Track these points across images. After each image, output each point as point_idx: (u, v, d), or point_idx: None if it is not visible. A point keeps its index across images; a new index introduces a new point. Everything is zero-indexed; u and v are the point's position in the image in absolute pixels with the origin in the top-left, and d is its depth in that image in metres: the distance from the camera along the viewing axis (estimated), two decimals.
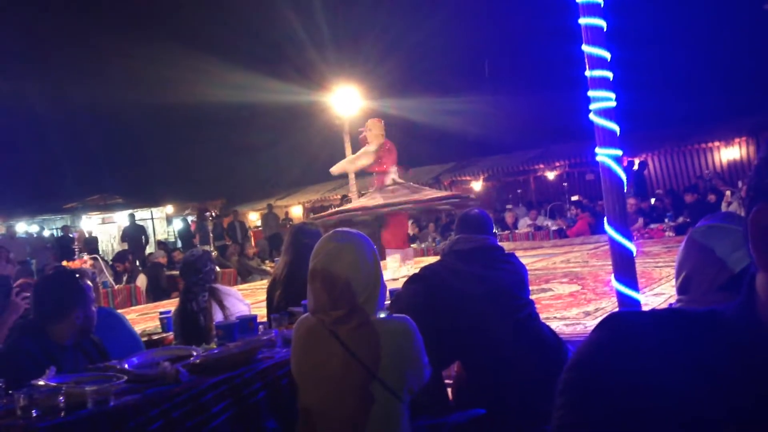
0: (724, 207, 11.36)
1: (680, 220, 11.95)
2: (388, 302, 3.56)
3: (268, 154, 24.47)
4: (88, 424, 2.15)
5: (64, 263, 10.54)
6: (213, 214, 21.04)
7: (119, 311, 5.08)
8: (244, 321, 3.33)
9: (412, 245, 13.44)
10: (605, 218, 3.65)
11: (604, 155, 3.61)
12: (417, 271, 3.41)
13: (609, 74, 3.66)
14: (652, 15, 18.25)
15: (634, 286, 3.57)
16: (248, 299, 5.03)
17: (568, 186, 17.16)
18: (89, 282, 3.12)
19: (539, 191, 20.07)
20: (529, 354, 3.09)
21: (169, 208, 23.81)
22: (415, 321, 2.43)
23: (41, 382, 2.34)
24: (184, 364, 2.65)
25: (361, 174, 11.85)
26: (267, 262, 14.53)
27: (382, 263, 2.67)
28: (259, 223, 22.24)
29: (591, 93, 3.65)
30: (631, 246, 3.58)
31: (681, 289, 1.70)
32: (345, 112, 13.08)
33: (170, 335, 4.36)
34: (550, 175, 19.78)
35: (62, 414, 2.17)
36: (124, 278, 11.67)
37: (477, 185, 20.12)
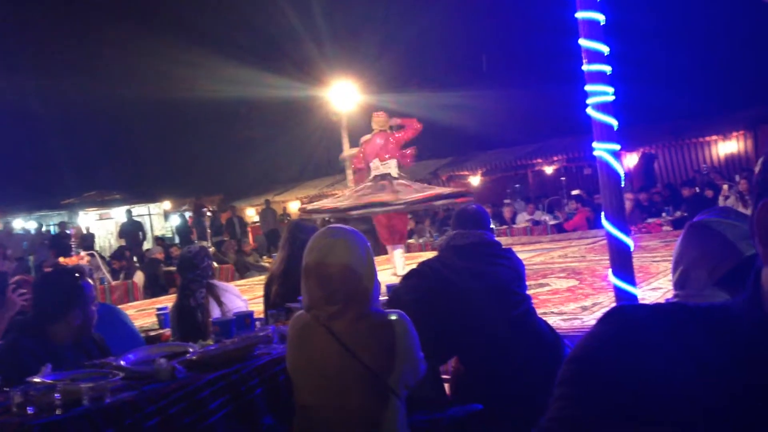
0: (721, 201, 11.36)
1: (678, 214, 11.96)
2: (384, 298, 3.56)
3: (265, 150, 24.45)
4: (84, 421, 2.14)
5: (61, 260, 10.52)
6: (210, 210, 21.03)
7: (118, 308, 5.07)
8: (240, 317, 3.32)
9: (409, 240, 13.45)
10: (602, 213, 3.64)
11: (601, 149, 3.60)
12: (414, 266, 3.40)
13: (606, 68, 3.65)
14: (649, 9, 18.23)
15: (632, 280, 3.57)
16: (246, 295, 5.02)
17: (566, 180, 17.16)
18: (89, 280, 3.11)
19: (537, 186, 20.07)
20: (526, 349, 3.09)
21: (167, 204, 23.79)
22: (413, 316, 2.43)
23: (37, 379, 2.34)
24: (180, 360, 2.64)
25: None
26: (265, 257, 14.54)
27: (384, 258, 2.66)
28: (256, 218, 22.23)
29: (588, 87, 3.64)
30: (628, 241, 3.57)
31: (678, 284, 1.70)
32: (343, 107, 13.07)
33: (167, 331, 4.36)
34: (548, 170, 19.77)
35: (58, 411, 2.16)
36: (121, 275, 11.66)
37: (475, 180, 20.11)
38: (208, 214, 21.43)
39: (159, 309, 4.84)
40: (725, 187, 12.36)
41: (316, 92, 16.20)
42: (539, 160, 19.69)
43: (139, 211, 21.18)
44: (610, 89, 3.65)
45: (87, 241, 16.24)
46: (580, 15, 3.62)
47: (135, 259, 13.66)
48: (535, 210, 14.95)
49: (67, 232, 15.76)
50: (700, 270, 1.62)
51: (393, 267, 8.81)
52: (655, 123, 17.88)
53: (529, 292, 3.41)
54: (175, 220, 21.91)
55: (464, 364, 3.23)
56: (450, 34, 22.91)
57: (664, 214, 12.23)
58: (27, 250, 15.89)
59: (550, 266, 8.32)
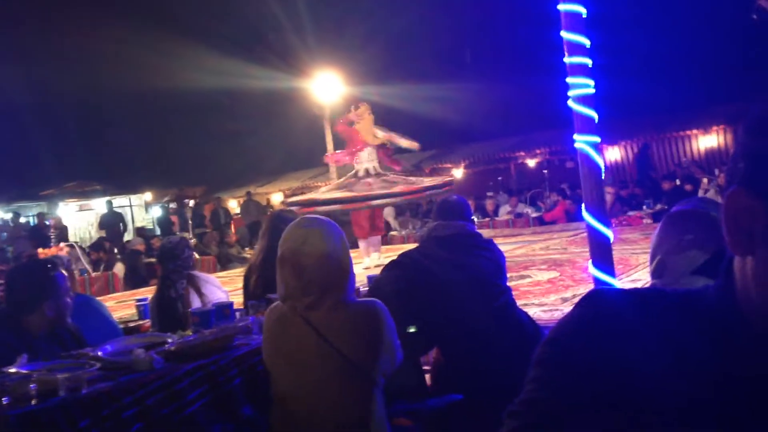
0: (701, 194, 11.47)
1: (658, 207, 12.06)
2: (365, 289, 3.56)
3: (248, 141, 24.32)
4: (60, 412, 2.12)
5: (40, 251, 10.42)
6: (191, 201, 20.91)
7: (97, 299, 5.02)
8: (220, 308, 3.31)
9: (392, 232, 13.47)
10: (583, 204, 3.66)
11: (582, 142, 3.62)
12: (395, 257, 3.40)
13: (588, 61, 3.66)
14: (630, 2, 18.30)
15: (611, 271, 3.59)
16: (227, 287, 4.99)
17: (548, 173, 17.23)
18: (64, 271, 3.07)
19: (520, 179, 20.15)
20: (507, 340, 3.10)
21: (148, 196, 23.59)
22: (394, 307, 2.43)
23: (12, 370, 2.31)
24: (158, 351, 2.62)
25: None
26: (247, 249, 14.46)
27: (356, 251, 2.66)
28: (238, 210, 22.12)
29: (569, 80, 3.64)
30: (608, 232, 3.59)
31: (655, 273, 1.71)
32: (326, 98, 13.02)
33: (147, 323, 4.32)
34: (531, 163, 19.86)
35: (34, 402, 2.13)
36: (102, 266, 11.56)
37: (458, 173, 20.15)
38: (191, 205, 21.30)
39: (138, 300, 4.80)
40: (705, 180, 12.48)
41: (300, 83, 16.13)
42: (522, 153, 19.77)
43: (119, 202, 20.99)
44: (591, 82, 3.66)
45: (62, 232, 16.06)
46: (562, 7, 3.63)
47: (116, 250, 13.55)
48: (517, 203, 15.00)
49: (46, 223, 15.61)
50: (677, 259, 1.63)
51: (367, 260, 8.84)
52: (635, 116, 17.99)
53: (510, 283, 3.42)
54: (157, 212, 21.72)
55: (444, 355, 3.24)
56: (433, 27, 22.90)
57: (644, 207, 12.32)
58: (5, 242, 15.72)
59: (531, 258, 8.36)
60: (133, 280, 11.01)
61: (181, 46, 21.36)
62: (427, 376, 3.35)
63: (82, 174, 22.48)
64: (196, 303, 3.83)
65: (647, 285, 1.81)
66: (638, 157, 17.23)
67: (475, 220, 3.94)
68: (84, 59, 24.17)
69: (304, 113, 17.75)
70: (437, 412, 2.74)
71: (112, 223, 17.05)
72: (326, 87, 13.96)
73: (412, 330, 2.98)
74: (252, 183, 23.90)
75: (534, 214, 13.86)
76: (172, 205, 22.81)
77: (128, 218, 20.42)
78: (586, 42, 3.64)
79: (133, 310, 5.07)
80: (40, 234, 14.61)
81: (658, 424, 0.67)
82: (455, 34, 24.13)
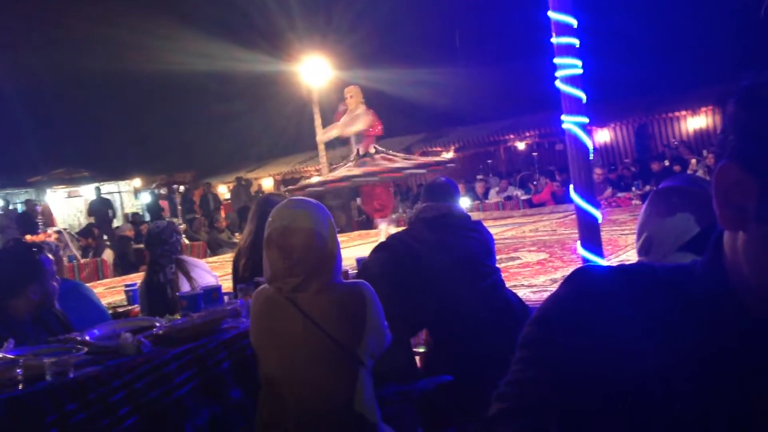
0: None
1: (647, 188, 12.10)
2: (354, 271, 3.55)
3: (237, 126, 24.19)
4: (47, 396, 2.10)
5: (28, 237, 10.36)
6: (180, 187, 20.81)
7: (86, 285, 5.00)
8: (208, 291, 3.30)
9: None
10: (571, 185, 3.66)
11: (570, 122, 3.61)
12: (384, 239, 3.39)
13: (575, 41, 3.65)
14: None
15: (599, 252, 3.60)
16: (217, 272, 4.98)
17: (538, 156, 17.25)
18: (50, 255, 3.04)
19: (509, 161, 20.17)
20: (496, 321, 3.10)
21: (137, 182, 23.48)
22: (383, 289, 2.42)
23: None
24: (146, 335, 2.61)
25: (331, 144, 11.73)
26: (237, 234, 14.42)
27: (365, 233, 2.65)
28: (228, 195, 22.05)
29: (557, 60, 3.63)
30: (596, 213, 3.60)
31: (642, 250, 1.71)
32: (314, 82, 12.95)
33: (136, 308, 4.30)
34: (520, 146, 19.86)
35: (20, 386, 2.12)
36: (90, 253, 11.51)
37: (448, 156, 20.11)
38: (180, 191, 21.21)
39: (127, 285, 4.78)
40: (693, 161, 12.53)
41: (288, 67, 16.02)
42: (511, 136, 19.77)
43: (108, 188, 20.89)
44: (579, 62, 3.65)
45: (48, 218, 15.96)
46: None
47: (105, 237, 13.48)
48: (507, 185, 15.03)
49: (36, 208, 15.52)
50: (663, 235, 1.63)
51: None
52: (624, 98, 18.01)
53: (500, 265, 3.42)
54: (146, 198, 21.62)
55: (433, 336, 3.25)
56: (422, 10, 22.76)
57: (633, 188, 12.37)
58: None
59: (521, 240, 8.37)
60: (123, 267, 10.97)
61: (168, 30, 21.19)
62: (418, 358, 3.36)
63: (70, 160, 22.33)
64: (185, 287, 3.82)
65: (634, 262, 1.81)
66: (637, 136, 17.33)
67: (467, 202, 3.95)
68: (71, 44, 23.94)
69: (292, 97, 17.65)
70: (427, 393, 2.74)
71: (100, 209, 16.94)
72: (315, 71, 13.87)
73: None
74: (242, 168, 23.80)
75: (524, 197, 13.90)
76: (162, 191, 22.68)
77: (117, 204, 20.33)
78: (574, 22, 3.63)
79: (123, 296, 5.05)
80: (28, 220, 14.52)
81: (646, 401, 0.67)
82: (444, 17, 24.02)
